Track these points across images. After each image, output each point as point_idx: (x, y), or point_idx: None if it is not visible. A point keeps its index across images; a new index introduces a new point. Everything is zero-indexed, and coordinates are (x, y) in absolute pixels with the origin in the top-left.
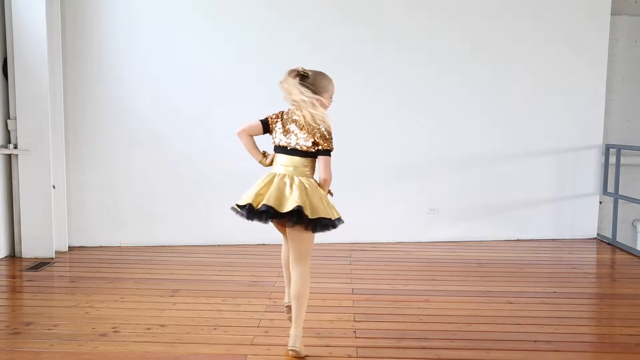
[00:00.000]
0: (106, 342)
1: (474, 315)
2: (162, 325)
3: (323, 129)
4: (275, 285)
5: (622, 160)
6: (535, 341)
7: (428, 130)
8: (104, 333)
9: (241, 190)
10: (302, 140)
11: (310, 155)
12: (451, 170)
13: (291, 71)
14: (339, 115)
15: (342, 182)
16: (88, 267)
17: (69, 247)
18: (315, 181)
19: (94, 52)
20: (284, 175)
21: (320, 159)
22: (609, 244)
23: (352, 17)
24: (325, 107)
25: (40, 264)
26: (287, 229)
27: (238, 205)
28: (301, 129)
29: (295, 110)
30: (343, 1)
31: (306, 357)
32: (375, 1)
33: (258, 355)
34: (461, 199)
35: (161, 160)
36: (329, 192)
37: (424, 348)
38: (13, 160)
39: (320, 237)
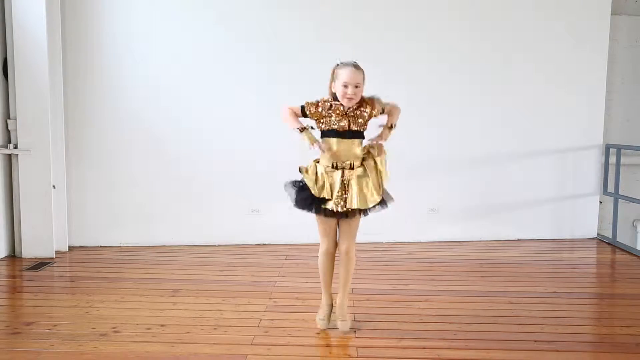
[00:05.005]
0: (106, 342)
1: (474, 315)
2: (162, 325)
3: None
4: (276, 285)
5: (622, 160)
6: (535, 341)
7: (428, 130)
8: (104, 333)
9: (240, 190)
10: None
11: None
12: (451, 170)
13: None
14: None
15: None
16: (88, 267)
17: (69, 247)
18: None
19: (94, 52)
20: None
21: None
22: (609, 244)
23: (354, 17)
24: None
25: (40, 264)
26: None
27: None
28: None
29: None
30: (345, 1)
31: (306, 357)
32: (378, 1)
33: (258, 355)
34: (461, 199)
35: (161, 160)
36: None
37: (424, 348)
38: (13, 160)
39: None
